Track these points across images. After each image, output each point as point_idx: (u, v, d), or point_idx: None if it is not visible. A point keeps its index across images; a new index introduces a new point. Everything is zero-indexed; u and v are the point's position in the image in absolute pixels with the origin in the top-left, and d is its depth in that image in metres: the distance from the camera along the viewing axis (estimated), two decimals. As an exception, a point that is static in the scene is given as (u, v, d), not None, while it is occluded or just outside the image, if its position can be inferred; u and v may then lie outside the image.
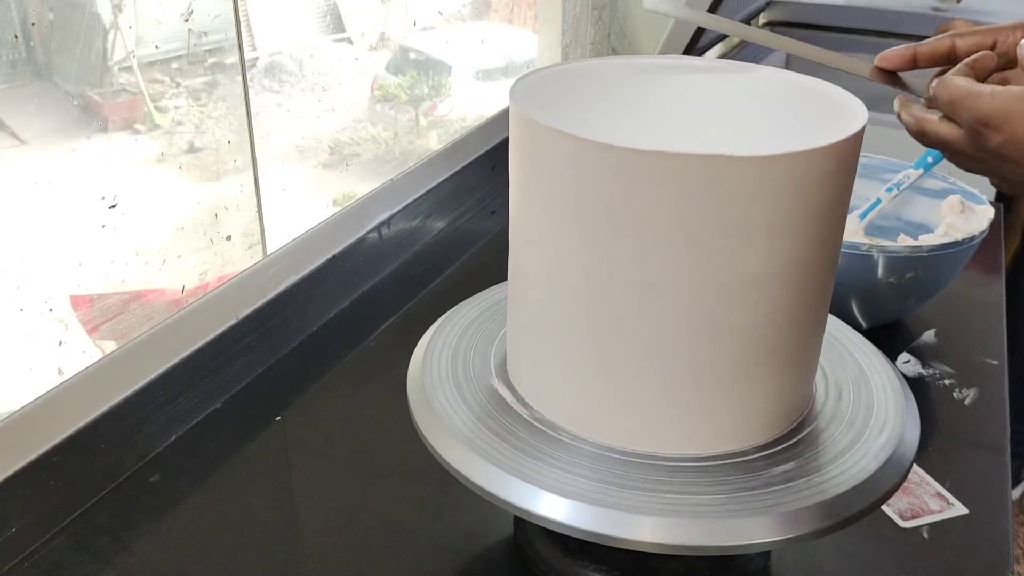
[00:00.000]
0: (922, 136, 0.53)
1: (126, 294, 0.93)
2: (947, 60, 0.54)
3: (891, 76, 0.55)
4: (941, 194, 0.87)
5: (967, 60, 0.52)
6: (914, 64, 0.55)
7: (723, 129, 0.47)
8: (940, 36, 0.55)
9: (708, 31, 1.50)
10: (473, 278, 0.95)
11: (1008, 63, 0.53)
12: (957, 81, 0.50)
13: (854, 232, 0.85)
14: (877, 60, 0.55)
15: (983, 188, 0.84)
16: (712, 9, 1.43)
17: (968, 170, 0.53)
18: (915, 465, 0.65)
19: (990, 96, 0.48)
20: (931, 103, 0.53)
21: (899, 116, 0.55)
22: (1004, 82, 0.52)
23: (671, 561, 0.52)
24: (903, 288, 0.77)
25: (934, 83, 0.53)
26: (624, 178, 0.42)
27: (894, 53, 0.54)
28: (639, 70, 0.53)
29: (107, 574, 0.57)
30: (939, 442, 0.71)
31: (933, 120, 0.52)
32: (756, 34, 0.61)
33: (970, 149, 0.51)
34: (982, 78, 0.52)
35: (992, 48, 0.53)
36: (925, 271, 0.76)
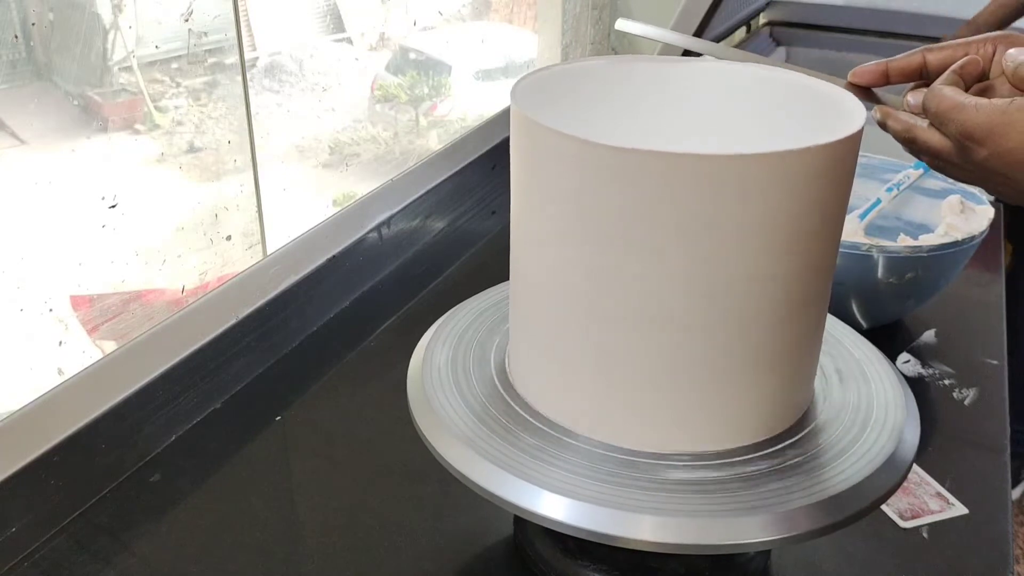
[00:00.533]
0: (912, 144, 0.53)
1: (126, 294, 0.93)
2: (919, 75, 0.54)
3: (865, 92, 0.55)
4: (941, 194, 0.87)
5: (954, 67, 0.52)
6: (886, 80, 0.55)
7: (723, 129, 0.47)
8: (911, 51, 0.55)
9: (708, 32, 1.50)
10: (473, 278, 0.95)
11: (983, 76, 0.53)
12: (944, 91, 0.50)
13: (854, 232, 0.85)
14: (850, 76, 0.55)
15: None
16: (711, 11, 1.43)
17: (959, 180, 0.53)
18: (915, 465, 0.65)
19: (974, 109, 0.48)
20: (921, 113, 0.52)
21: (883, 126, 0.54)
22: (989, 90, 0.52)
23: (671, 560, 0.52)
24: (903, 288, 0.77)
25: (908, 97, 0.53)
26: (624, 178, 0.42)
27: (866, 69, 0.54)
28: (639, 70, 0.53)
29: (107, 574, 0.57)
30: (939, 442, 0.71)
31: (923, 128, 0.52)
32: (729, 53, 0.61)
33: (958, 160, 0.50)
34: (970, 84, 0.52)
35: None
36: (925, 271, 0.76)
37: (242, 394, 0.74)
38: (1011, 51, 0.50)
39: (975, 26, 1.45)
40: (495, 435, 0.49)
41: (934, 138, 0.51)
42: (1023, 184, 0.48)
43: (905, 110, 0.53)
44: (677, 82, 0.52)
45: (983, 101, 0.48)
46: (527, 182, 0.47)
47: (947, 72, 0.51)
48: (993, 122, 0.47)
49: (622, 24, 0.58)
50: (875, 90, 0.55)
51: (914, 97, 0.52)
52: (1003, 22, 1.45)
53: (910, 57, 0.54)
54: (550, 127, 0.43)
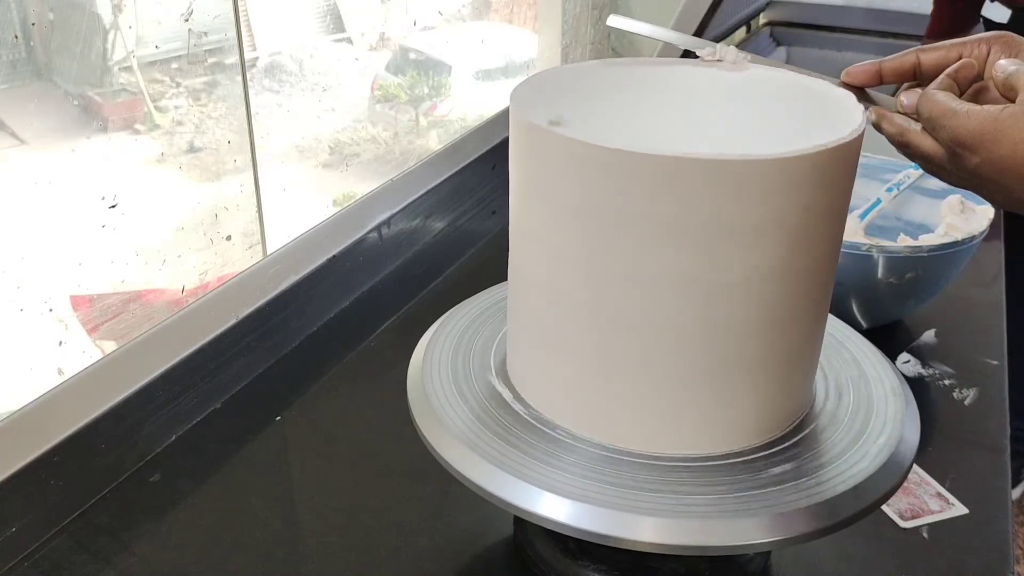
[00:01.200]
0: (905, 148, 0.52)
1: (126, 294, 0.93)
2: (912, 76, 0.54)
3: (858, 92, 0.54)
4: (941, 194, 0.87)
5: (948, 71, 0.51)
6: (880, 80, 0.54)
7: (724, 130, 0.47)
8: (905, 52, 0.54)
9: (708, 32, 1.50)
10: (473, 278, 0.95)
11: (979, 78, 0.53)
12: (937, 96, 0.49)
13: (854, 232, 0.85)
14: (843, 76, 0.54)
15: (983, 188, 0.84)
16: (711, 10, 1.43)
17: (952, 185, 0.52)
18: (915, 465, 0.65)
19: (966, 116, 0.47)
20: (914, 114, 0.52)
21: (878, 127, 0.54)
22: (983, 91, 0.52)
23: (670, 561, 0.52)
24: (903, 288, 0.77)
25: (902, 98, 0.52)
26: (624, 180, 0.42)
27: (860, 69, 0.54)
28: (639, 72, 0.53)
29: (107, 574, 0.57)
30: (939, 442, 0.71)
31: (916, 132, 0.51)
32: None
33: (950, 166, 0.50)
34: (965, 87, 0.51)
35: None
36: (925, 271, 0.76)
37: (242, 394, 0.74)
38: (1001, 61, 0.50)
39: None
40: (495, 435, 0.49)
41: (927, 143, 0.51)
42: (1016, 191, 0.47)
43: (899, 111, 0.53)
44: (677, 83, 0.52)
45: (975, 108, 0.47)
46: (526, 184, 0.47)
47: (941, 76, 0.51)
48: (985, 129, 0.47)
49: (614, 20, 0.58)
50: (868, 90, 0.55)
51: (907, 98, 0.52)
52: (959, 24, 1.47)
53: (903, 57, 0.54)
54: (549, 130, 0.43)
